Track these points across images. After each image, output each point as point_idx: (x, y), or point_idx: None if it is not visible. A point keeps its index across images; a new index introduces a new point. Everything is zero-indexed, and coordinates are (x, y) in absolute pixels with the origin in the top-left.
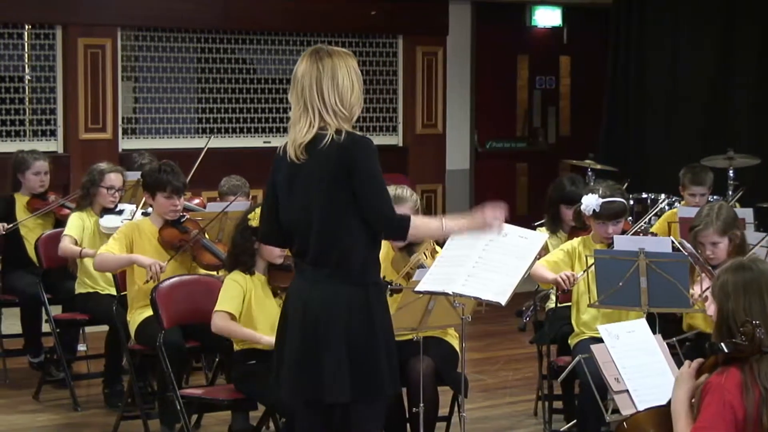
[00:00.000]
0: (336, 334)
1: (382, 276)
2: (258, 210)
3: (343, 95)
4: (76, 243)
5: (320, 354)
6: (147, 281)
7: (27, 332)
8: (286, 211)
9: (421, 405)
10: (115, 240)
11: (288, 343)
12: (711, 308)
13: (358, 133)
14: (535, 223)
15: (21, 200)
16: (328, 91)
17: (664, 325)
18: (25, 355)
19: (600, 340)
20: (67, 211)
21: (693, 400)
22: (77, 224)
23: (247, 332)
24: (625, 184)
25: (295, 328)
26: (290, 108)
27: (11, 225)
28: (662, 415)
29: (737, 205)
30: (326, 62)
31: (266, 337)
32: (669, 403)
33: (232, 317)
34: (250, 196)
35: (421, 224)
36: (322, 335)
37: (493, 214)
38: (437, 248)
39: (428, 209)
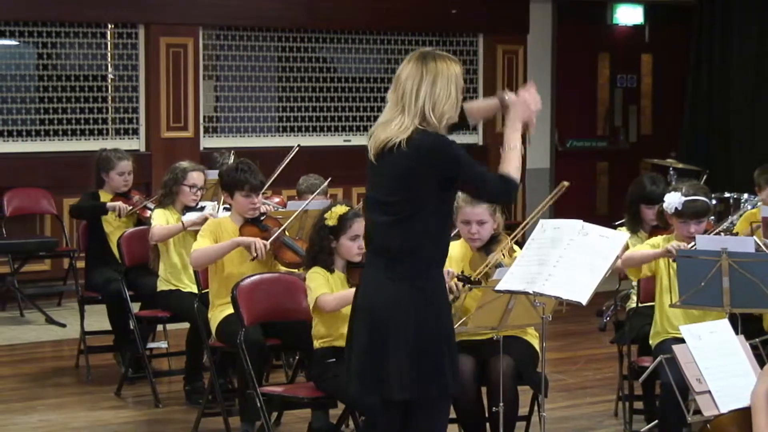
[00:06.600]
0: (400, 330)
1: (461, 271)
2: (335, 209)
3: (437, 103)
4: None
5: (385, 351)
6: (253, 258)
7: (116, 328)
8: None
9: (501, 404)
10: (203, 237)
11: (356, 339)
12: None
13: (430, 130)
14: (616, 223)
15: (104, 198)
16: (425, 97)
17: (747, 325)
18: (107, 352)
19: (681, 341)
20: (149, 212)
21: None
22: (163, 217)
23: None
24: (703, 179)
25: (360, 324)
26: (376, 107)
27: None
28: (746, 417)
29: None
30: (431, 67)
31: None
32: None
33: None
34: (328, 195)
35: (509, 164)
36: (386, 332)
37: (529, 95)
38: (515, 247)
39: (506, 210)
